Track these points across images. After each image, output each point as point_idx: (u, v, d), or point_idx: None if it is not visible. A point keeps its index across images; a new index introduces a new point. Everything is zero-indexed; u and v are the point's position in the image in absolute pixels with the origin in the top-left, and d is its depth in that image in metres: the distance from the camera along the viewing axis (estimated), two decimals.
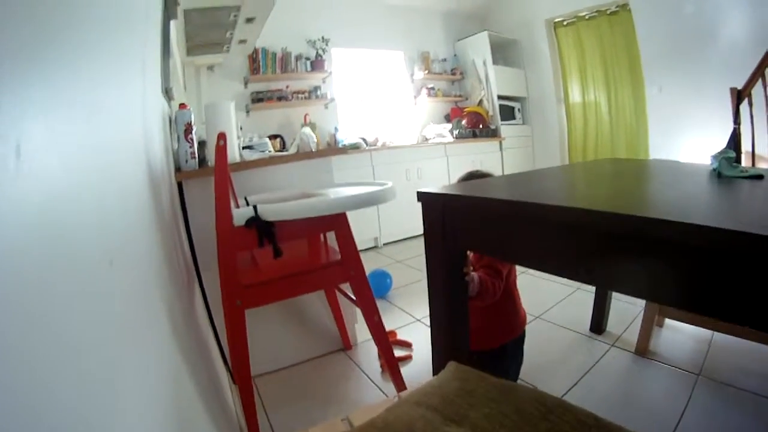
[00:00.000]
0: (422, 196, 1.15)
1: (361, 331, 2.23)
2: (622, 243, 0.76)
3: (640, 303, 2.18)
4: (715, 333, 1.87)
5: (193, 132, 1.84)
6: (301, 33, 4.39)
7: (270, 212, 1.29)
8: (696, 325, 1.82)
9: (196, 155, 1.86)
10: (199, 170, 1.81)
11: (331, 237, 1.60)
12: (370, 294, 1.55)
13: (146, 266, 0.80)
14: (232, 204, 1.41)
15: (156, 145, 1.37)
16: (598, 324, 2.10)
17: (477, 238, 1.07)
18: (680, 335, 1.97)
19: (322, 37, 4.42)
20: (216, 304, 1.82)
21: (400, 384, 1.67)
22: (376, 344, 1.64)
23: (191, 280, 1.69)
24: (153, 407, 0.58)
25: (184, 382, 0.91)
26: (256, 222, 1.27)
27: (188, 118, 1.82)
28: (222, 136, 1.28)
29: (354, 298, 1.66)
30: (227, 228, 1.29)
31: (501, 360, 1.70)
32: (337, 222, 1.45)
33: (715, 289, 0.65)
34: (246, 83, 4.15)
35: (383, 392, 1.80)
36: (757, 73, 2.20)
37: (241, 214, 1.29)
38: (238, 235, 1.30)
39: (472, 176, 1.61)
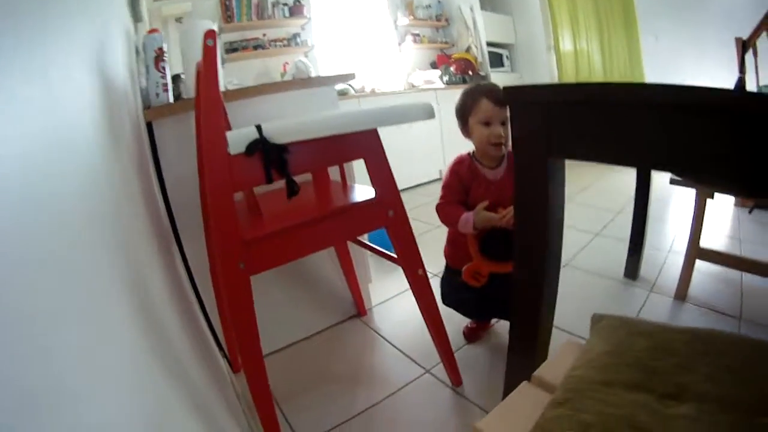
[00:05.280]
0: (512, 93, 0.81)
1: (375, 292, 1.95)
2: None
3: (665, 248, 2.23)
4: (744, 274, 1.83)
5: (166, 61, 1.44)
6: None
7: (279, 132, 0.91)
8: (725, 265, 1.76)
9: (170, 87, 1.46)
10: (174, 105, 1.42)
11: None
12: (411, 239, 1.17)
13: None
14: None
15: (118, 74, 0.99)
16: (633, 269, 1.98)
17: (600, 142, 0.73)
18: (710, 278, 1.88)
19: None
20: (201, 272, 1.46)
21: (455, 374, 1.33)
22: (421, 310, 1.26)
23: (169, 246, 1.30)
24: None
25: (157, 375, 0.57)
26: (262, 145, 0.89)
27: (159, 43, 1.43)
28: (211, 34, 0.88)
29: (381, 249, 1.32)
30: (221, 157, 0.88)
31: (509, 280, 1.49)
32: (368, 145, 1.06)
33: None
34: (219, 33, 3.67)
35: (415, 362, 1.49)
36: (763, 24, 2.11)
37: (239, 137, 0.89)
38: (236, 166, 0.90)
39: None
